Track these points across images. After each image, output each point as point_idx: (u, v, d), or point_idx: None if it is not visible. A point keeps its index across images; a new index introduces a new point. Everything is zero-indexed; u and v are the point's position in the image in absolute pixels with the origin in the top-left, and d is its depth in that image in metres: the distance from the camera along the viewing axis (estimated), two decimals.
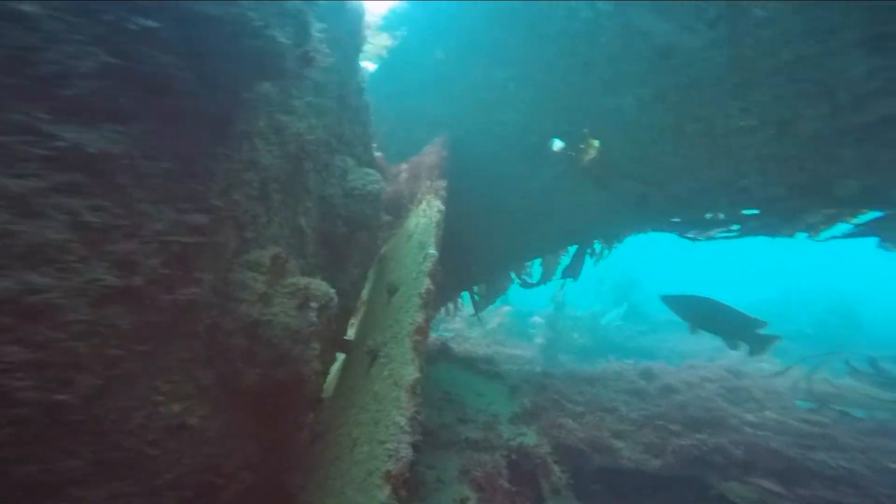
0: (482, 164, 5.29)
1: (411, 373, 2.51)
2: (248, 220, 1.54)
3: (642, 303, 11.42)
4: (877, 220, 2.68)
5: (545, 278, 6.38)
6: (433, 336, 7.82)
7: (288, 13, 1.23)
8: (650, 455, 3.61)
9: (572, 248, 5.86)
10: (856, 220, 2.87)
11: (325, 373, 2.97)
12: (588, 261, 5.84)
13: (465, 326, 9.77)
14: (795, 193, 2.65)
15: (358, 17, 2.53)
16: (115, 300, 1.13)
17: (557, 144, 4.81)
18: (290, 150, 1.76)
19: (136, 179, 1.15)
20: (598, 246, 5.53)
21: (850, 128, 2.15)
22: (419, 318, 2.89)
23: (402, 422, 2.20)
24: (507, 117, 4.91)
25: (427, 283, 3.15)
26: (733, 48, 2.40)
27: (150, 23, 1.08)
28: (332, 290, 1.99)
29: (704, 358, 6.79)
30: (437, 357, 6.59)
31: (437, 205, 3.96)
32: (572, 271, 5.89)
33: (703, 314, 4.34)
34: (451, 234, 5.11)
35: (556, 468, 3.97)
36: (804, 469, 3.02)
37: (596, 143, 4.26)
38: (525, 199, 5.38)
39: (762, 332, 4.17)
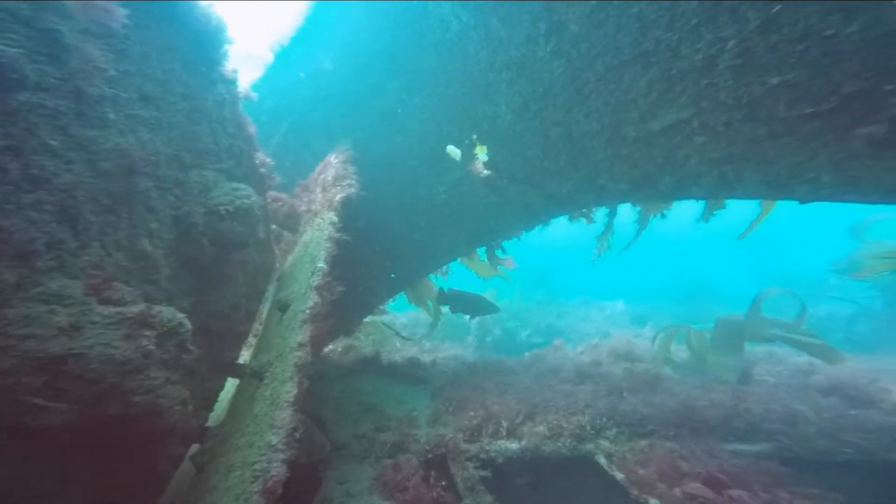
0: (389, 173, 5.33)
1: (289, 390, 2.46)
2: (39, 248, 1.42)
3: (556, 291, 12.70)
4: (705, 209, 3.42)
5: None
6: (366, 346, 7.69)
7: (16, 20, 1.14)
8: (549, 434, 3.87)
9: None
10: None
11: (207, 400, 2.81)
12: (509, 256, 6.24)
13: (404, 334, 9.79)
14: (635, 188, 3.03)
15: (208, 28, 2.45)
16: None
17: (454, 151, 5.00)
18: (107, 168, 1.65)
19: None
20: (505, 244, 5.83)
21: (654, 131, 2.52)
22: (304, 334, 2.85)
23: (275, 440, 2.15)
24: (406, 125, 5.00)
25: (314, 298, 3.12)
26: (565, 59, 2.70)
27: None
28: (179, 316, 1.89)
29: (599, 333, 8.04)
30: (363, 368, 6.49)
31: (331, 217, 3.93)
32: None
33: (466, 301, 6.30)
34: (364, 243, 5.09)
35: (470, 465, 4.08)
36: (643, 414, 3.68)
37: (484, 148, 4.50)
38: (432, 204, 5.51)
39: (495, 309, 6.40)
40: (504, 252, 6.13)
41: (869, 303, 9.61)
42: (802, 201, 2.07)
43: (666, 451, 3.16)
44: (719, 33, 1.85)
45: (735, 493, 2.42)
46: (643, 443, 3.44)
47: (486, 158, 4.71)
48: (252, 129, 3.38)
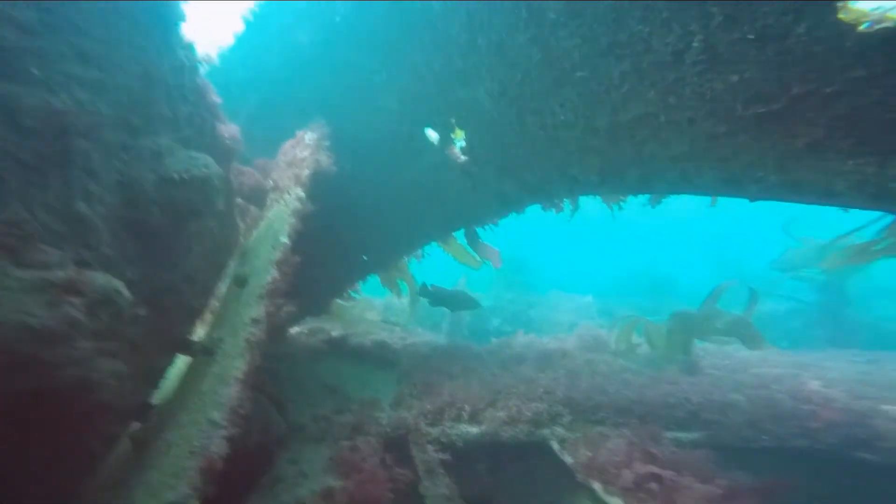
0: (364, 152, 5.21)
1: (239, 366, 2.41)
2: None
3: (529, 281, 13.01)
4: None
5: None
6: (333, 329, 7.62)
7: None
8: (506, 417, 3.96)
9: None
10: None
11: (151, 376, 2.72)
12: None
13: (378, 318, 9.78)
14: (604, 180, 3.07)
15: None
16: None
17: (431, 134, 4.92)
18: (31, 126, 1.54)
19: None
20: (479, 231, 5.83)
21: (624, 124, 2.55)
22: (259, 309, 2.78)
23: (217, 416, 2.11)
24: (384, 104, 4.87)
25: (273, 273, 3.04)
26: (543, 47, 2.67)
27: None
28: (115, 283, 1.80)
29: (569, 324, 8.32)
30: (329, 350, 6.43)
31: (297, 192, 3.83)
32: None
33: (446, 296, 6.67)
34: (335, 223, 4.98)
35: (430, 448, 4.12)
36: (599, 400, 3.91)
37: (462, 133, 4.44)
38: (407, 187, 5.44)
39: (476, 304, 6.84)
40: (478, 237, 6.12)
41: (807, 300, 10.25)
42: (752, 199, 2.13)
43: (616, 437, 3.28)
44: (687, 27, 1.87)
45: (667, 473, 2.58)
46: (596, 429, 3.55)
47: (463, 143, 4.66)
48: (215, 97, 3.22)
